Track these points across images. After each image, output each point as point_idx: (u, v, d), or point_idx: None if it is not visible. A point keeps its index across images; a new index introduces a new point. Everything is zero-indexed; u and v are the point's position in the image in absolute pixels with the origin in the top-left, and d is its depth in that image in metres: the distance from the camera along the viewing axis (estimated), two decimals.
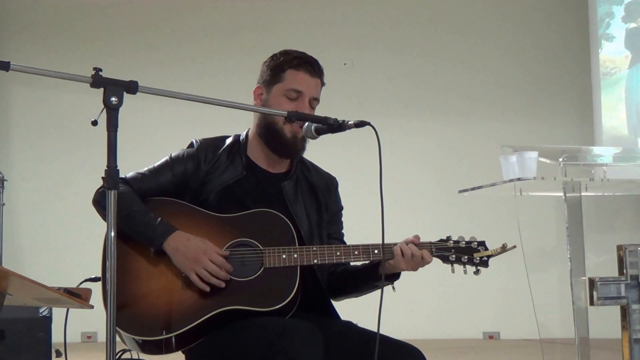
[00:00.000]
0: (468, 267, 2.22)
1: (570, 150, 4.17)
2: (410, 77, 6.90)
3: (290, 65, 2.28)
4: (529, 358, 5.33)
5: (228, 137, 2.38)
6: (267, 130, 2.29)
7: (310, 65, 2.29)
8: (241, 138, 2.37)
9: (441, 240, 2.24)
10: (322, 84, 2.35)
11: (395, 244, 2.18)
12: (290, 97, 2.26)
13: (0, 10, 6.97)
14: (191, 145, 2.34)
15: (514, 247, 2.22)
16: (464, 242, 2.23)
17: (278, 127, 2.26)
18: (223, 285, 2.09)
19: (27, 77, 5.99)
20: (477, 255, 2.21)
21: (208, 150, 2.31)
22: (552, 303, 5.98)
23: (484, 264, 2.22)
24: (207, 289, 2.08)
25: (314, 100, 2.30)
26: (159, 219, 2.14)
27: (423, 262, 2.18)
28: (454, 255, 2.21)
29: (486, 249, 2.22)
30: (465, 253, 2.21)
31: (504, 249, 2.21)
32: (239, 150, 2.33)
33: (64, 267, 6.11)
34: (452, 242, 2.23)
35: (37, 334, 3.64)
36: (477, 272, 2.23)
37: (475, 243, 2.23)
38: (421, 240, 2.21)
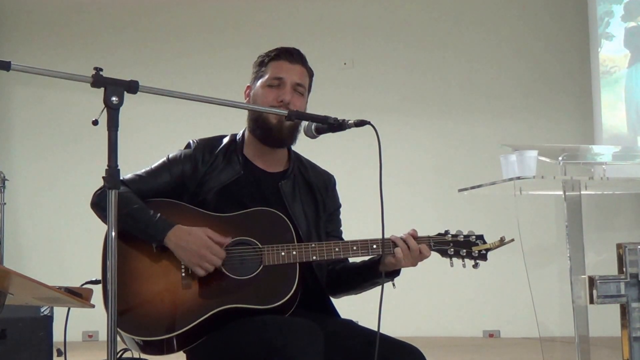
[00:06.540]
0: (467, 260, 2.22)
1: (570, 149, 4.18)
2: (410, 76, 6.90)
3: (270, 58, 2.33)
4: (529, 356, 5.33)
5: (225, 136, 2.38)
6: (255, 122, 2.30)
7: (288, 54, 2.32)
8: (238, 137, 2.37)
9: (439, 234, 2.24)
10: (309, 73, 2.36)
11: (395, 245, 2.17)
12: (272, 85, 2.29)
13: (0, 10, 6.98)
14: (188, 145, 2.34)
15: (512, 240, 2.22)
16: (462, 236, 2.22)
17: (264, 115, 2.27)
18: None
19: (27, 77, 6.00)
20: (475, 249, 2.21)
21: (205, 150, 2.31)
22: (552, 301, 5.98)
23: (483, 257, 2.21)
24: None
25: (299, 86, 2.30)
26: (158, 214, 2.14)
27: (421, 257, 2.17)
28: (452, 249, 2.21)
29: (484, 242, 2.22)
30: (464, 247, 2.21)
31: (502, 242, 2.21)
32: (236, 149, 2.33)
33: (65, 266, 6.14)
34: (450, 235, 2.23)
35: (38, 333, 3.64)
36: (475, 266, 2.22)
37: (474, 237, 2.22)
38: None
